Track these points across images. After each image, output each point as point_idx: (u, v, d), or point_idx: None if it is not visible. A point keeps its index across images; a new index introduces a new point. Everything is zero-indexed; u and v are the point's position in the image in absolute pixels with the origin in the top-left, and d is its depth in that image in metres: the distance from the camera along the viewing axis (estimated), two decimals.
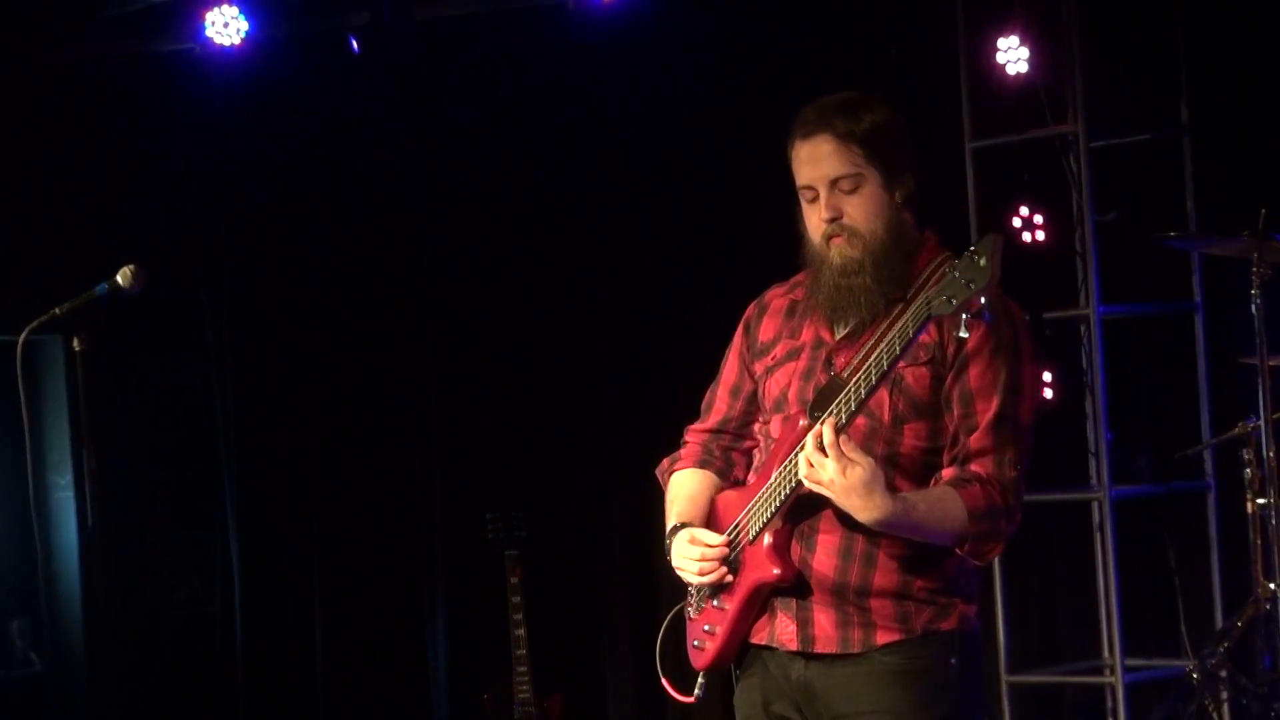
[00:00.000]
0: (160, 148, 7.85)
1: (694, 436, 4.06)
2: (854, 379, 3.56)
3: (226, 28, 7.40)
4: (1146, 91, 7.06)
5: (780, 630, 3.75)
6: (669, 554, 3.89)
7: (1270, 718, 6.18)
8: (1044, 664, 7.20)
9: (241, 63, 7.48)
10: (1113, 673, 6.88)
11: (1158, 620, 7.10)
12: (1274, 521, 6.04)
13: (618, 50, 7.39)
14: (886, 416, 3.67)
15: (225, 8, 7.39)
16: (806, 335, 3.83)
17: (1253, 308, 6.02)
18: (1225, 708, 6.49)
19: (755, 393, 3.95)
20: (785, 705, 3.80)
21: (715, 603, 3.84)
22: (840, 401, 3.55)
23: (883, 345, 3.52)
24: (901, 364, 3.60)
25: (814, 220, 3.78)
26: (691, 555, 3.81)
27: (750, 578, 3.75)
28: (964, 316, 3.42)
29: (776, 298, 3.95)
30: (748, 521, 3.76)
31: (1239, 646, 6.36)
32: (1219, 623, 6.79)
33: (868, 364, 3.53)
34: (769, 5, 7.32)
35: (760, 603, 3.77)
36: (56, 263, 7.39)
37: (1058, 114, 6.93)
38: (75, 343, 4.48)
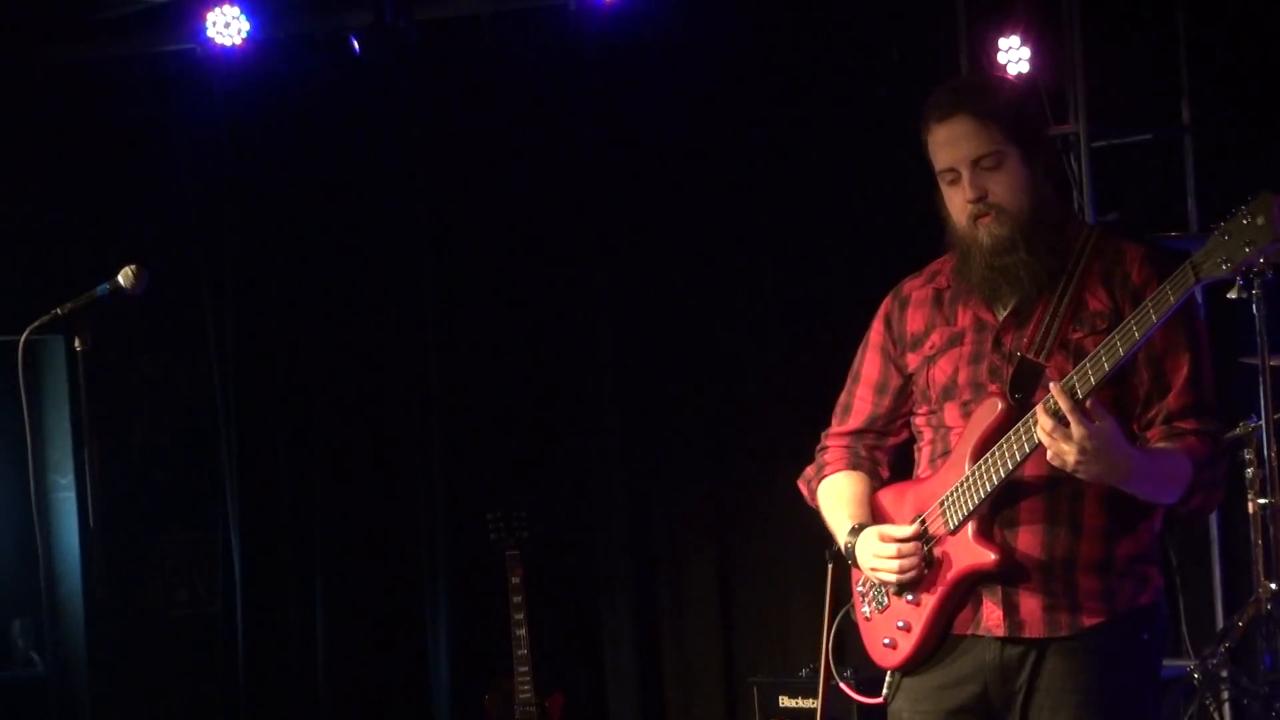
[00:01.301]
0: (160, 148, 7.85)
1: (836, 440, 4.05)
2: (1095, 351, 3.49)
3: (228, 28, 7.41)
4: (1147, 91, 7.06)
5: (987, 617, 3.74)
6: (851, 558, 3.86)
7: (1271, 718, 6.17)
8: None
9: (242, 63, 7.48)
10: None
11: None
12: (1275, 521, 6.04)
13: (618, 50, 7.39)
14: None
15: (226, 8, 7.39)
16: (964, 320, 3.82)
17: (1253, 308, 6.02)
18: (1226, 708, 6.49)
19: (903, 387, 3.95)
20: (966, 694, 3.77)
21: (909, 598, 3.80)
22: (1077, 373, 3.52)
23: (1132, 318, 3.48)
24: (1078, 333, 3.65)
25: (958, 202, 3.78)
26: (886, 552, 3.79)
27: (959, 568, 3.72)
28: (1241, 278, 3.45)
29: (916, 289, 3.94)
30: (943, 513, 3.74)
31: (1240, 646, 6.35)
32: (1220, 623, 6.79)
33: (1113, 338, 3.48)
34: (770, 5, 7.32)
35: (963, 593, 3.75)
36: (57, 263, 7.39)
37: (1059, 114, 6.93)
38: (76, 343, 4.49)
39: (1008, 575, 3.69)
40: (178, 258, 7.81)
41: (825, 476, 4.02)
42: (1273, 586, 6.11)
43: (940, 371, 3.83)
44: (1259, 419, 6.08)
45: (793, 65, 7.22)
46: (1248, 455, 6.27)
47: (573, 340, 7.79)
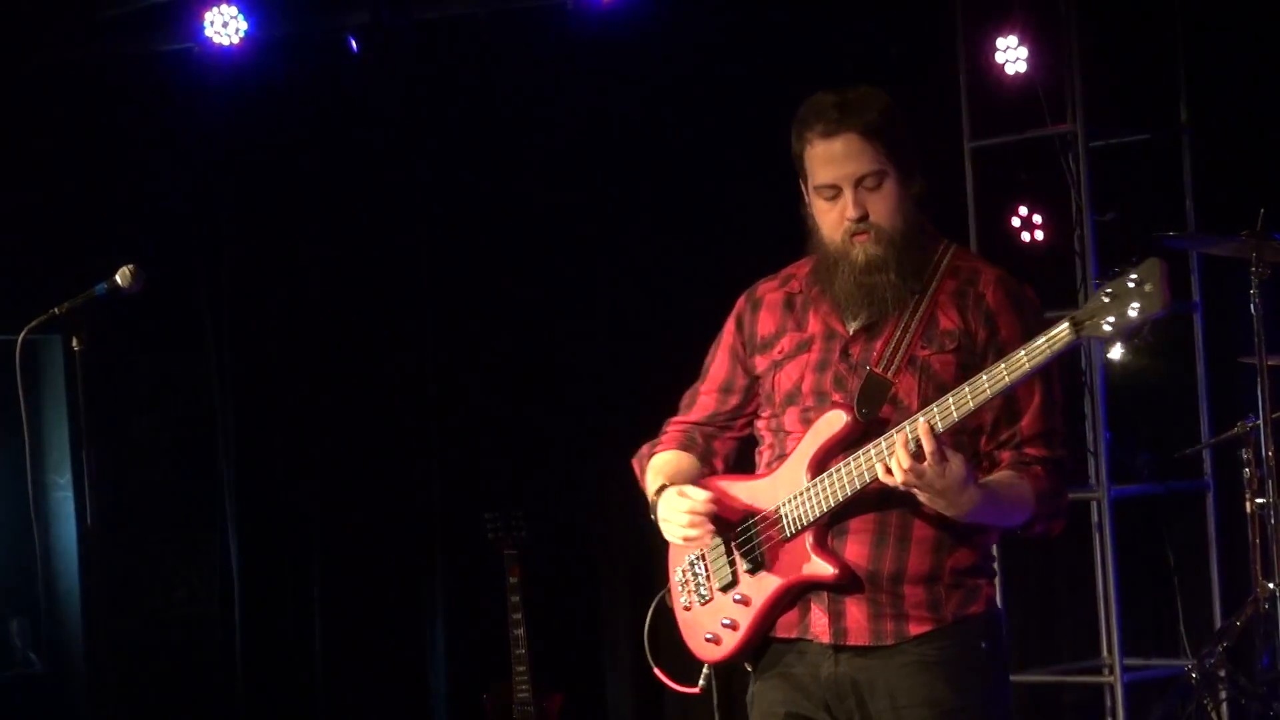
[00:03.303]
0: (160, 147, 7.85)
1: (675, 426, 4.08)
2: (961, 389, 3.54)
3: (226, 27, 7.41)
4: (1145, 91, 7.06)
5: (813, 623, 3.76)
6: (653, 513, 3.88)
7: (1269, 717, 6.18)
8: (1043, 663, 7.20)
9: (241, 63, 7.49)
10: (1112, 672, 6.88)
11: (1157, 620, 7.10)
12: (1273, 521, 6.04)
13: (618, 50, 7.39)
14: (915, 403, 3.68)
15: (224, 7, 7.39)
16: (814, 326, 3.84)
17: (1252, 308, 6.02)
18: (1224, 707, 6.49)
19: (749, 388, 3.96)
20: (811, 707, 3.80)
21: (735, 597, 3.82)
22: (939, 408, 3.54)
23: (1003, 364, 3.51)
24: (926, 351, 3.70)
25: (833, 217, 3.78)
26: (679, 507, 3.81)
27: (794, 577, 3.74)
28: (1121, 340, 3.47)
29: (770, 291, 3.95)
30: (780, 518, 3.75)
31: (1238, 646, 6.35)
32: (1218, 622, 6.79)
33: (981, 379, 3.52)
34: (769, 5, 7.32)
35: (793, 598, 3.77)
36: (56, 263, 7.39)
37: (1057, 114, 6.94)
38: (75, 342, 4.49)
39: (840, 586, 3.72)
40: (177, 257, 7.81)
41: (655, 453, 4.03)
42: (1270, 586, 6.11)
43: (786, 377, 3.84)
44: (1257, 419, 6.08)
45: (792, 65, 7.22)
46: (1246, 455, 6.28)
47: (572, 340, 7.79)
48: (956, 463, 3.53)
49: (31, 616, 7.70)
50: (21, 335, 4.48)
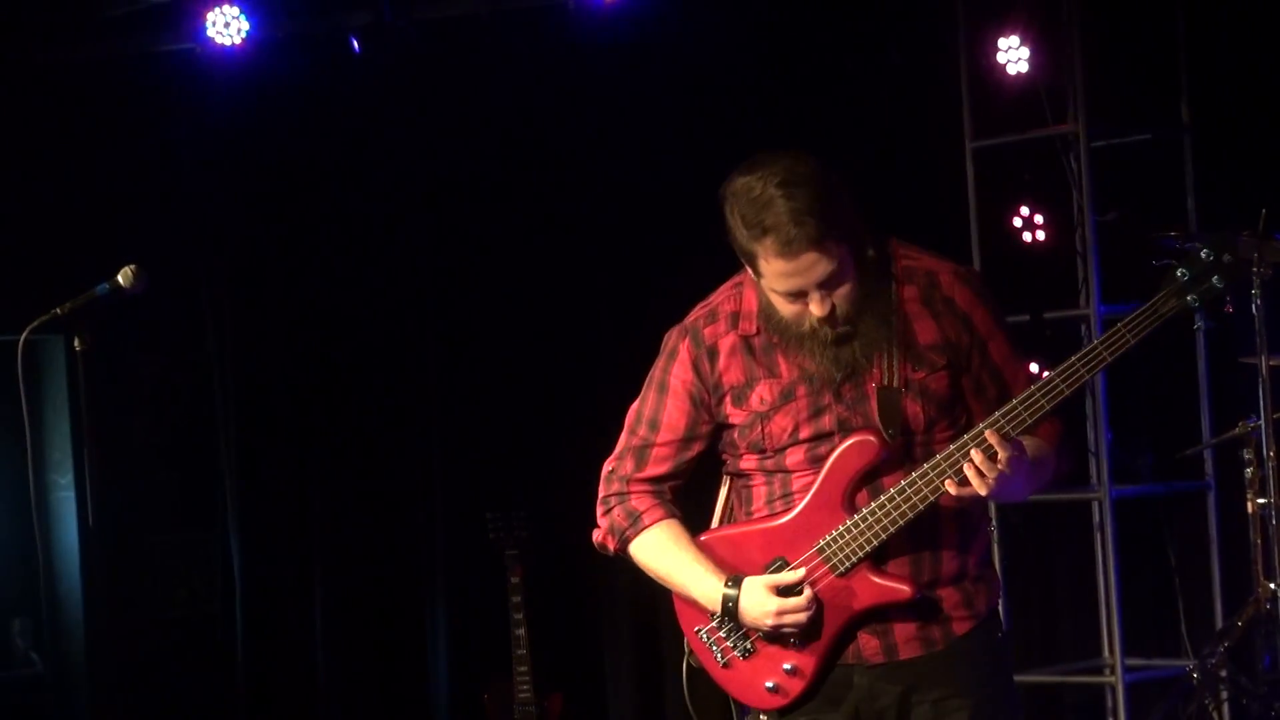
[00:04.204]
0: (161, 148, 7.85)
1: (636, 488, 3.96)
2: (1031, 392, 3.62)
3: (227, 28, 7.40)
4: (1147, 91, 7.06)
5: (864, 647, 3.77)
6: (736, 613, 3.76)
7: (1270, 717, 6.18)
8: (1044, 663, 7.20)
9: (242, 63, 7.48)
10: (1113, 672, 6.88)
11: (1158, 620, 7.10)
12: (1274, 521, 6.04)
13: (618, 50, 7.39)
14: (921, 424, 3.71)
15: (226, 7, 7.39)
16: (789, 372, 3.77)
17: (1253, 308, 6.02)
18: (1225, 707, 6.49)
19: (711, 434, 3.87)
20: (835, 715, 3.80)
21: (793, 642, 3.77)
22: (1005, 414, 3.61)
23: (1095, 346, 3.65)
24: (920, 374, 3.71)
25: (794, 310, 3.72)
26: (782, 605, 3.72)
27: (857, 606, 3.72)
28: (1204, 312, 3.57)
29: (720, 335, 3.84)
30: (826, 558, 3.71)
31: (1239, 646, 6.36)
32: (1219, 622, 6.79)
33: (1054, 380, 3.62)
34: (769, 6, 7.32)
35: (852, 631, 3.77)
36: (57, 263, 7.39)
37: (1058, 114, 6.94)
38: (76, 342, 4.48)
39: (872, 613, 3.73)
40: (177, 257, 7.81)
41: (646, 527, 3.92)
42: (1272, 586, 6.12)
43: (778, 426, 3.77)
44: (1258, 419, 6.09)
45: (792, 66, 7.22)
46: (1247, 455, 6.28)
47: (572, 339, 7.79)
48: (1015, 450, 3.61)
49: (33, 616, 7.71)
50: (23, 335, 4.47)
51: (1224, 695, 6.43)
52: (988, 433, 3.58)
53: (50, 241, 7.59)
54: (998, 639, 3.86)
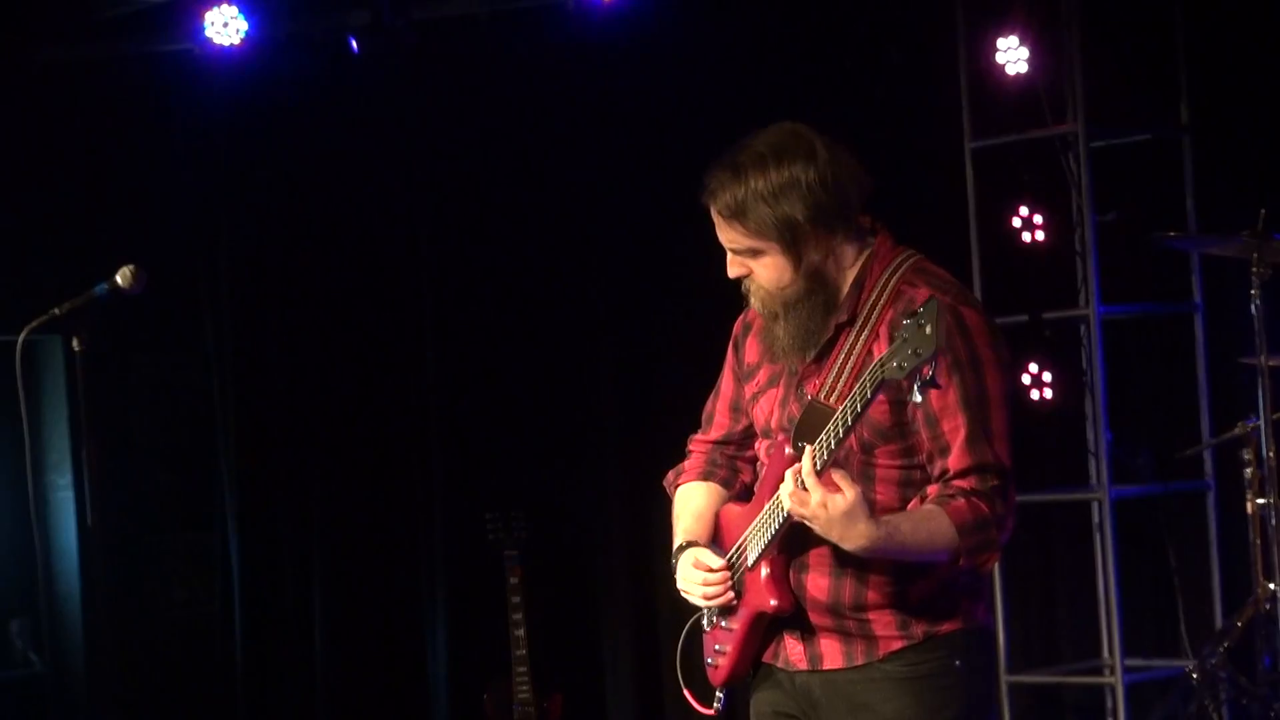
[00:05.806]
0: (160, 148, 7.85)
1: (697, 447, 4.04)
2: (830, 419, 3.52)
3: (226, 28, 7.41)
4: (1146, 91, 7.06)
5: (789, 651, 3.77)
6: (674, 573, 3.88)
7: (1270, 718, 6.18)
8: (1044, 664, 7.20)
9: (241, 63, 7.48)
10: (1112, 673, 6.88)
11: (1158, 620, 7.10)
12: (1274, 521, 6.04)
13: (618, 50, 7.39)
14: (856, 447, 3.64)
15: (224, 8, 7.39)
16: (781, 361, 3.81)
17: (1252, 308, 6.02)
18: (1225, 708, 6.49)
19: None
20: (795, 706, 3.81)
21: (724, 623, 3.83)
22: (820, 440, 3.51)
23: (845, 403, 3.49)
24: None
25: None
26: (695, 579, 3.81)
27: (751, 606, 3.75)
28: (915, 384, 3.38)
29: (755, 316, 3.87)
30: (746, 546, 3.76)
31: (1239, 647, 6.36)
32: (1219, 623, 6.79)
33: (835, 417, 3.50)
34: (769, 5, 7.32)
35: (764, 627, 3.77)
36: (56, 263, 7.39)
37: (1057, 114, 6.93)
38: (75, 343, 4.48)
39: (796, 619, 3.71)
40: (177, 257, 7.81)
41: (680, 484, 4.01)
42: (1271, 586, 6.12)
43: (760, 410, 3.82)
44: (1258, 419, 6.09)
45: (792, 65, 7.22)
46: (1247, 455, 6.28)
47: (573, 339, 7.79)
48: (846, 496, 3.46)
49: (32, 616, 7.70)
50: (22, 336, 4.47)
51: (1223, 696, 6.42)
52: (807, 450, 3.49)
53: (49, 241, 7.59)
54: (948, 668, 3.66)
